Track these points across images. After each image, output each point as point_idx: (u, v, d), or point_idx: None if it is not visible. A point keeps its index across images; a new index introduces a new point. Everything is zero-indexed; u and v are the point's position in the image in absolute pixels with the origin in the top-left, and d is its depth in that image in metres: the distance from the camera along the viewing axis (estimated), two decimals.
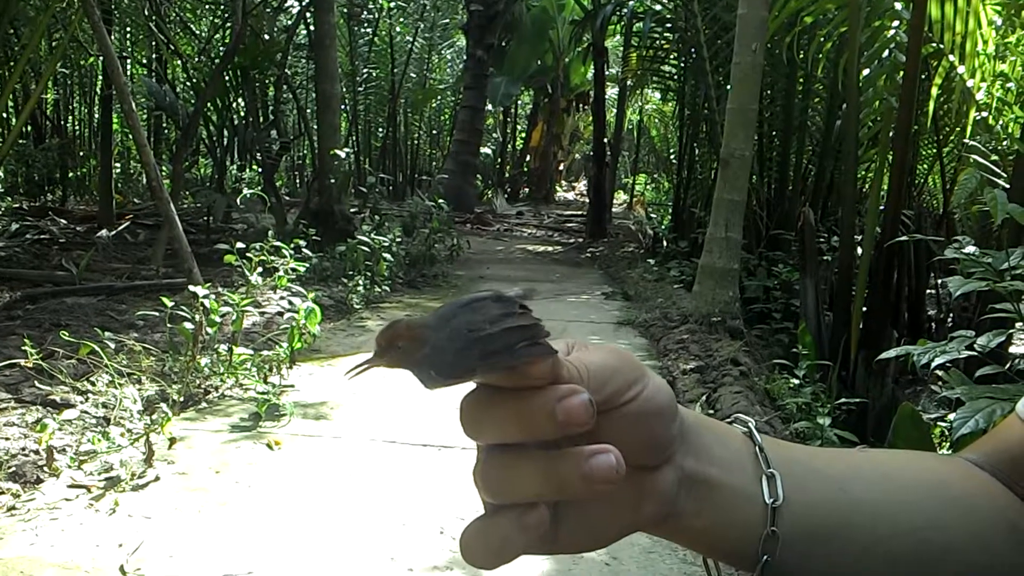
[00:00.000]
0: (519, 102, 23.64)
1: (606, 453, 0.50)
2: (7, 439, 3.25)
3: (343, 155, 9.03)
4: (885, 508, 0.62)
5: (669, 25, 10.60)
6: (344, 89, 15.47)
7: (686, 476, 0.57)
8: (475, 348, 0.48)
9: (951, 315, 6.51)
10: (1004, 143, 5.35)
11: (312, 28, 11.09)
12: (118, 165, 13.89)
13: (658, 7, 10.95)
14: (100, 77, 12.10)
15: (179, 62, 12.64)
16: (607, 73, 15.00)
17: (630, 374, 0.54)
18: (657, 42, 10.87)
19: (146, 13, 10.50)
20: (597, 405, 0.50)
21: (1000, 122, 5.48)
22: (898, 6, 5.64)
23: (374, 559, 2.59)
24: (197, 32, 13.36)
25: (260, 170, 11.26)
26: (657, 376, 0.56)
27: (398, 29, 18.85)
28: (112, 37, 8.78)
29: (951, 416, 2.95)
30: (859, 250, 5.79)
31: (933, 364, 2.69)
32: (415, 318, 0.51)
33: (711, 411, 4.14)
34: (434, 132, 22.75)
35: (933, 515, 0.63)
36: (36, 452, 3.17)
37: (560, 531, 0.54)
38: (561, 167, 24.19)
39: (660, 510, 0.56)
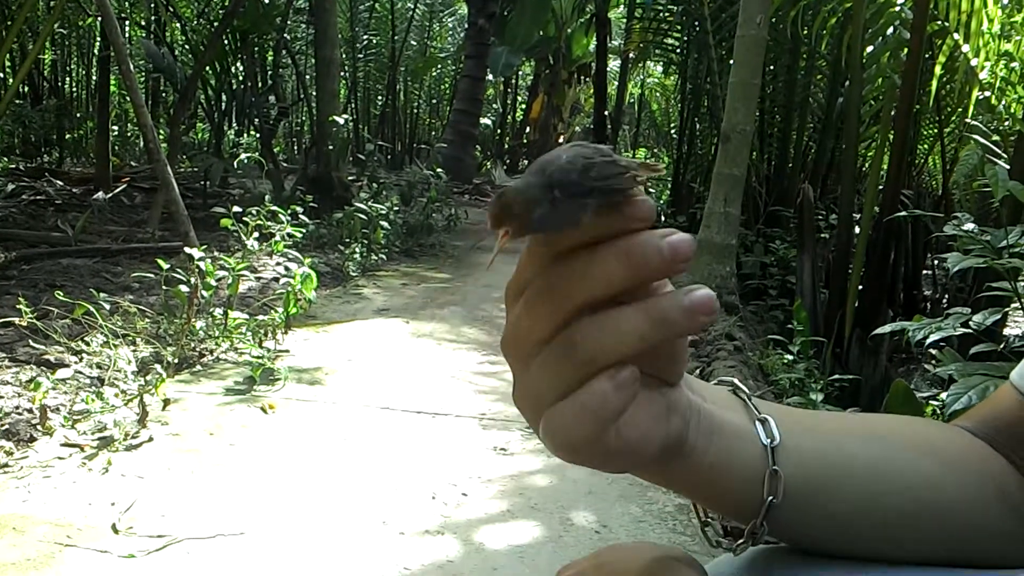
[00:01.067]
0: (520, 73, 23.50)
1: (702, 288, 0.51)
2: (1, 398, 3.25)
3: (342, 122, 8.98)
4: (879, 466, 0.62)
5: None
6: (344, 55, 15.37)
7: (693, 406, 0.57)
8: (592, 171, 0.48)
9: (946, 295, 6.52)
10: (1006, 123, 5.34)
11: None
12: (115, 127, 13.81)
13: None
14: (98, 38, 12.01)
15: (178, 24, 12.53)
16: (609, 45, 14.91)
17: None
18: (660, 14, 10.77)
19: None
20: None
21: (1003, 102, 5.46)
22: None
23: (366, 523, 2.60)
24: None
25: (258, 135, 11.20)
26: None
27: None
28: None
29: (944, 394, 2.96)
30: (857, 228, 5.78)
31: (928, 341, 2.69)
32: (513, 183, 0.49)
33: None
34: (434, 101, 22.62)
35: (926, 476, 0.63)
36: (30, 411, 3.18)
37: (612, 434, 0.52)
38: (561, 139, 24.07)
39: (682, 430, 0.56)
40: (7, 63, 10.95)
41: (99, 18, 7.90)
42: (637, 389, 0.51)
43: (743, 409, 0.61)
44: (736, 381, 0.63)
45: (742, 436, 0.59)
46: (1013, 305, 2.85)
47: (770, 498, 0.59)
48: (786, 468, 0.59)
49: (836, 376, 4.25)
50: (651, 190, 15.02)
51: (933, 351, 3.20)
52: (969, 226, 2.68)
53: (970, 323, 2.66)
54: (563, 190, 0.47)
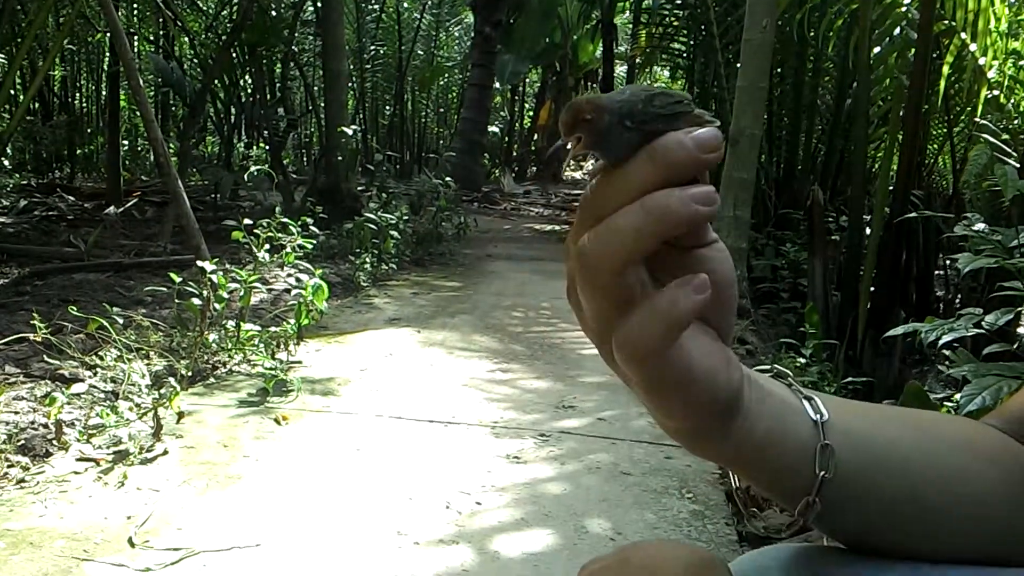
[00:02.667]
0: (527, 80, 23.54)
1: (703, 186, 0.52)
2: (16, 413, 3.27)
3: (350, 133, 9.02)
4: (917, 456, 0.63)
5: (679, 2, 10.53)
6: (351, 66, 15.41)
7: (745, 370, 0.59)
8: (656, 100, 0.53)
9: (959, 295, 6.49)
10: (1016, 122, 5.32)
11: (319, 4, 11.05)
12: (125, 142, 13.89)
13: None
14: (107, 53, 12.06)
15: (186, 39, 12.61)
16: (616, 51, 14.92)
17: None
18: (667, 19, 10.79)
19: None
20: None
21: (1012, 101, 5.45)
22: None
23: (381, 533, 2.61)
24: (204, 8, 13.31)
25: (267, 147, 11.27)
26: None
27: (405, 5, 18.71)
28: (119, 13, 8.75)
29: (958, 395, 2.95)
30: (868, 230, 5.77)
31: (940, 342, 2.68)
32: (589, 94, 0.55)
33: None
34: (441, 110, 22.66)
35: (962, 468, 0.64)
36: (45, 426, 3.20)
37: (679, 349, 0.53)
38: (568, 145, 24.07)
39: (741, 385, 0.57)
40: (18, 80, 11.03)
41: (108, 34, 7.96)
42: (707, 297, 0.52)
43: (787, 390, 0.62)
44: (778, 367, 0.64)
45: (792, 408, 0.60)
46: None
47: (822, 473, 0.59)
48: (834, 444, 0.60)
49: (850, 379, 4.24)
50: None
51: (946, 352, 3.18)
52: (980, 226, 2.67)
53: (983, 324, 2.65)
54: (632, 119, 0.52)
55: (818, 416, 0.60)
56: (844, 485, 0.60)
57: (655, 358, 0.52)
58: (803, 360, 4.34)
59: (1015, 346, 2.83)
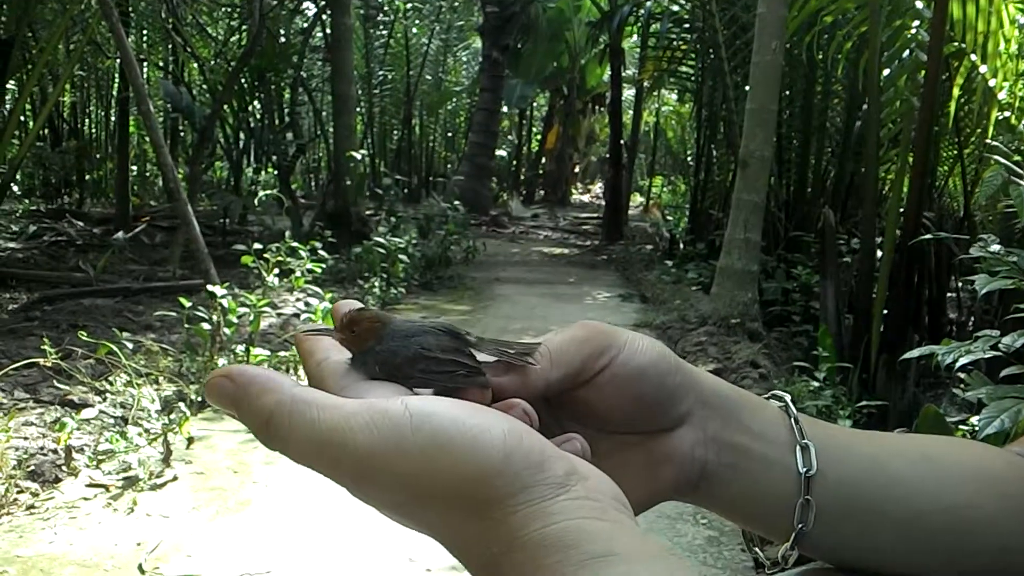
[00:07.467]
0: (535, 104, 23.64)
1: (570, 441, 0.50)
2: (26, 439, 3.26)
3: (359, 157, 9.05)
4: (924, 485, 0.62)
5: (687, 26, 10.56)
6: (360, 91, 15.50)
7: (712, 440, 0.57)
8: (420, 364, 0.51)
9: (972, 318, 6.44)
10: None
11: (328, 30, 11.12)
12: (135, 167, 13.95)
13: (675, 8, 10.90)
14: (117, 79, 12.15)
15: (196, 64, 12.70)
16: (623, 74, 14.98)
17: (599, 343, 0.55)
18: (674, 43, 10.82)
19: (163, 15, 10.55)
20: (571, 377, 0.53)
21: (1023, 122, 5.43)
22: (919, 5, 5.59)
23: (392, 559, 2.58)
24: (214, 35, 13.41)
25: (276, 172, 11.31)
26: (643, 338, 0.56)
27: (414, 31, 18.85)
28: (129, 40, 8.83)
29: (974, 418, 2.91)
30: (879, 252, 5.74)
31: (957, 364, 2.65)
32: (383, 314, 0.53)
33: None
34: (449, 134, 22.74)
35: (972, 495, 0.63)
36: (55, 451, 3.18)
37: None
38: (576, 169, 24.15)
39: (683, 475, 0.56)
40: (28, 106, 11.11)
41: (118, 60, 8.02)
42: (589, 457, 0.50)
43: (787, 433, 0.60)
44: (788, 399, 0.63)
45: (774, 465, 0.59)
46: None
47: (800, 526, 0.58)
48: (824, 494, 0.59)
49: (864, 402, 4.20)
50: (669, 218, 15.02)
51: (961, 375, 3.15)
52: (995, 247, 2.64)
53: (999, 346, 2.62)
54: (382, 369, 0.50)
55: (805, 469, 0.59)
56: (838, 525, 0.60)
57: None
58: (817, 384, 4.31)
59: None
